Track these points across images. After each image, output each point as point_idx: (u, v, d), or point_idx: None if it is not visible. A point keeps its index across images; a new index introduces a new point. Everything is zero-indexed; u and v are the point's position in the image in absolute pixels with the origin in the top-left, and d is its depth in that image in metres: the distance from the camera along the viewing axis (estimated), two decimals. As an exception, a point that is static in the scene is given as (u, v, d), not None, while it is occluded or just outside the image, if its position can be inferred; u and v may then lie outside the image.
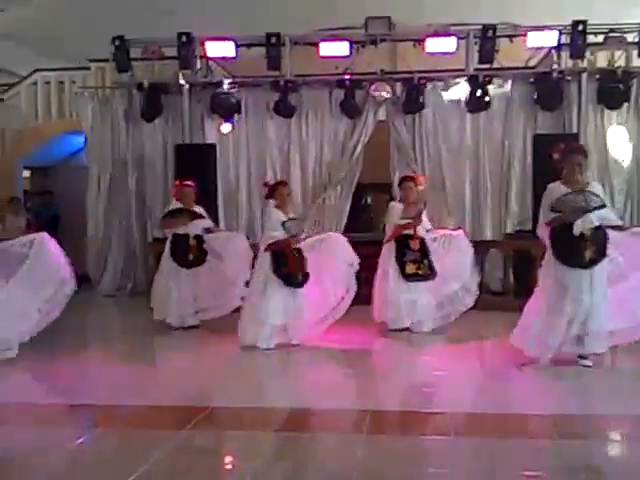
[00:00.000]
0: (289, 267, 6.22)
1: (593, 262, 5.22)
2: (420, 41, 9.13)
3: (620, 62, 9.16)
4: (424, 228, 7.04)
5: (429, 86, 9.42)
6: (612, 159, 9.31)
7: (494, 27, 8.89)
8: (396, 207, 7.08)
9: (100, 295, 10.06)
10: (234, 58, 9.51)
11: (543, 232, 5.48)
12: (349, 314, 6.63)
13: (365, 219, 10.64)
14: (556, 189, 5.33)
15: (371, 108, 9.54)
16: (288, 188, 6.65)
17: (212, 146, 9.63)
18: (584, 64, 9.13)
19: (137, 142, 10.13)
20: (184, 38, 9.32)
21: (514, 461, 3.64)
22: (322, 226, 9.57)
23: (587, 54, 9.01)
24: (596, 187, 5.44)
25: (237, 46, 9.34)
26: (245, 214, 9.96)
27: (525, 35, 8.98)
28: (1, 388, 5.28)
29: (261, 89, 9.70)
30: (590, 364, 5.39)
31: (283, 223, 6.23)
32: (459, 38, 9.05)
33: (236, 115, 9.74)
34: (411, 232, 6.90)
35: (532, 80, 9.27)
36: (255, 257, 6.61)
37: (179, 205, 7.36)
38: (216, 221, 8.43)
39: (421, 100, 9.30)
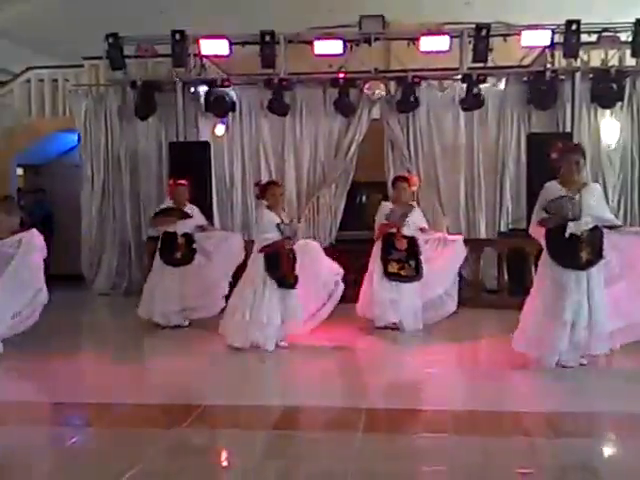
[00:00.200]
0: (283, 269, 6.16)
1: (589, 263, 5.18)
2: (414, 40, 9.12)
3: (613, 61, 9.19)
4: (417, 226, 7.02)
5: (423, 85, 9.41)
6: (605, 158, 9.34)
7: (488, 26, 8.90)
8: (384, 206, 7.09)
9: (95, 294, 10.02)
10: (228, 56, 9.49)
11: (536, 231, 5.45)
12: (338, 311, 6.61)
13: (360, 218, 10.63)
14: (552, 189, 5.28)
15: (365, 106, 9.53)
16: (282, 188, 6.60)
17: (206, 144, 9.62)
18: (578, 63, 9.15)
19: (131, 140, 10.09)
20: (178, 36, 9.28)
21: (510, 459, 3.63)
22: (317, 225, 9.57)
23: (581, 53, 9.03)
24: (595, 188, 5.41)
25: (231, 44, 9.32)
26: (239, 212, 9.93)
27: (519, 34, 9.00)
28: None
29: (255, 87, 9.69)
30: (585, 362, 5.38)
31: (278, 225, 6.15)
32: (453, 37, 9.05)
33: (230, 113, 9.72)
34: (394, 231, 6.88)
35: (526, 79, 9.30)
36: (247, 257, 6.55)
37: (171, 204, 7.35)
38: (210, 219, 8.41)
39: (415, 99, 9.30)
